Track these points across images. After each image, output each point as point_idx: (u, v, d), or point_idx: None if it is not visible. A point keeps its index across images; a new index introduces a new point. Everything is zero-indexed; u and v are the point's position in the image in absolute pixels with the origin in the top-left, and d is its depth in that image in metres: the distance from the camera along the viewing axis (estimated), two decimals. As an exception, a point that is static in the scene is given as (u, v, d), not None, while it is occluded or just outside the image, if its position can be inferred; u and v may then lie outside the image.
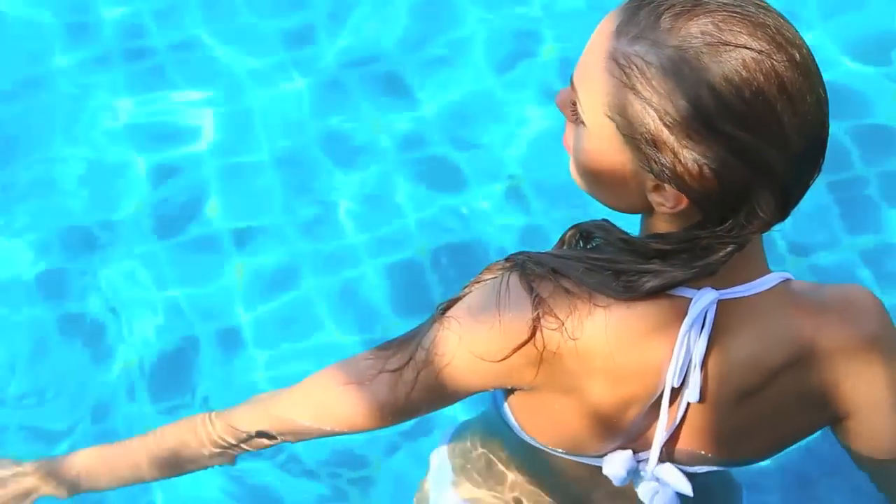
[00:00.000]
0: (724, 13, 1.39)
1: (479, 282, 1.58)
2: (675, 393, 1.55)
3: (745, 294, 1.52)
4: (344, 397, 1.64)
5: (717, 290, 1.50)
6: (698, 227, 1.46)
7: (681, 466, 1.65)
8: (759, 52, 1.38)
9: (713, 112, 1.38)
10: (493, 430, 1.85)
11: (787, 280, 1.57)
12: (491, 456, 1.88)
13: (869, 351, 1.59)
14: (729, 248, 1.46)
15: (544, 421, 1.64)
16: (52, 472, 1.83)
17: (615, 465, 1.64)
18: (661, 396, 1.56)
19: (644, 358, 1.54)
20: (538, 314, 1.52)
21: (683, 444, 1.63)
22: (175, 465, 1.78)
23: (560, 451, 1.66)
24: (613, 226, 1.54)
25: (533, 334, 1.53)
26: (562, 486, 1.80)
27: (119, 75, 3.21)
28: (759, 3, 1.42)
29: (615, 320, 1.52)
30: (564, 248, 1.58)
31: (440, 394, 1.62)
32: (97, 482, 1.82)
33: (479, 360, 1.56)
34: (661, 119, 1.40)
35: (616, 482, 1.65)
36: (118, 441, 1.82)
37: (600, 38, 1.45)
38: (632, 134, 1.43)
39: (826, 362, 1.58)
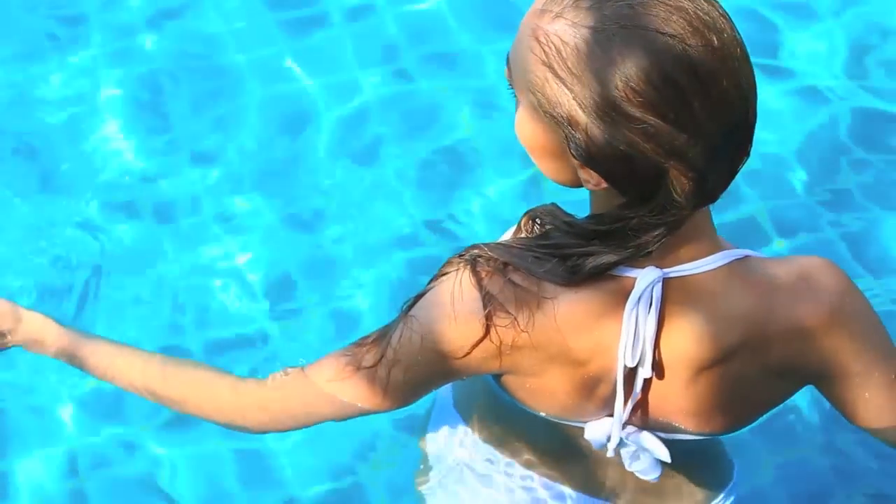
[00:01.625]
0: None
1: (439, 277, 1.60)
2: (635, 369, 1.57)
3: (692, 272, 1.53)
4: (323, 396, 1.67)
5: (661, 268, 1.52)
6: (626, 207, 1.48)
7: (658, 433, 1.67)
8: (672, 36, 1.39)
9: (622, 96, 1.40)
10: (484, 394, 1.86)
11: (744, 257, 1.58)
12: (487, 420, 1.89)
13: (828, 325, 1.59)
14: (660, 229, 1.48)
15: (524, 394, 1.66)
16: (66, 347, 1.82)
17: (593, 431, 1.66)
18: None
19: (597, 339, 1.56)
20: (489, 311, 1.54)
21: (656, 415, 1.65)
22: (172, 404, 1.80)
23: (543, 414, 1.69)
24: (560, 209, 1.56)
25: (487, 331, 1.55)
26: (554, 444, 1.81)
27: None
28: None
29: (564, 308, 1.54)
30: (521, 235, 1.60)
31: (414, 387, 1.65)
32: (91, 371, 1.83)
33: (442, 357, 1.59)
34: (574, 99, 1.42)
35: (595, 446, 1.68)
36: (135, 351, 1.82)
37: (529, 15, 1.47)
38: (551, 112, 1.45)
39: (783, 339, 1.58)
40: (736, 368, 1.59)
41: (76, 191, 3.01)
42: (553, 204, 1.58)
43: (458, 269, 1.57)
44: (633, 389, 1.60)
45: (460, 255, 1.58)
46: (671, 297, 1.54)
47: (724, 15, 1.43)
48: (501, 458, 1.85)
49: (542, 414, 1.68)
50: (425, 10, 3.39)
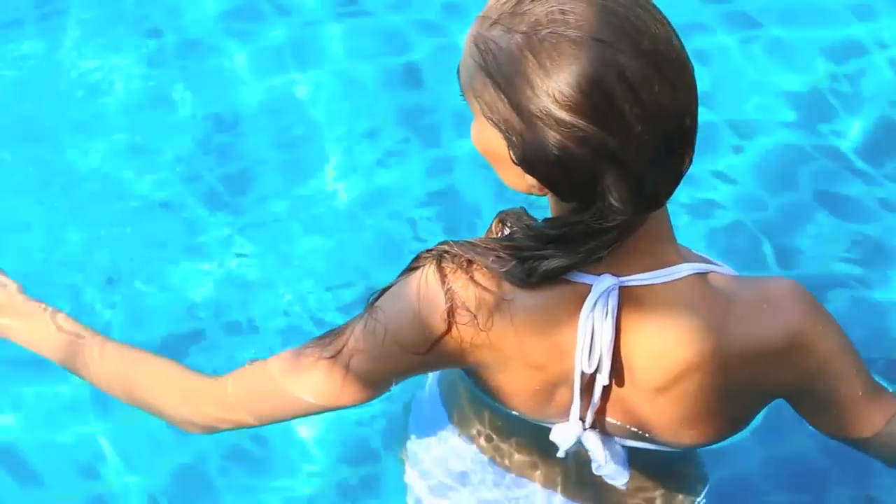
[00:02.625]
0: (575, 1, 1.42)
1: (407, 271, 1.61)
2: (594, 376, 1.58)
3: (648, 282, 1.54)
4: (280, 389, 1.67)
5: (617, 276, 1.53)
6: (574, 212, 1.49)
7: (627, 442, 1.69)
8: (601, 41, 1.40)
9: (552, 100, 1.40)
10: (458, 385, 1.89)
11: (706, 273, 1.57)
12: (465, 406, 1.90)
13: (788, 348, 1.58)
14: (609, 234, 1.48)
15: (491, 391, 1.68)
16: (22, 313, 1.82)
17: (557, 433, 1.67)
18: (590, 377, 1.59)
19: (554, 344, 1.57)
20: (450, 308, 1.56)
21: (623, 423, 1.66)
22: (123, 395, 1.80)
23: (514, 412, 1.70)
24: (525, 213, 1.58)
25: (449, 328, 1.57)
26: (533, 443, 1.82)
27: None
28: None
29: (521, 311, 1.55)
30: (492, 235, 1.61)
31: (374, 380, 1.65)
32: (43, 351, 1.82)
33: (404, 350, 1.60)
34: (509, 104, 1.43)
35: (561, 448, 1.68)
36: (87, 333, 1.80)
37: (473, 24, 1.48)
38: (492, 118, 1.46)
39: (743, 359, 1.58)
40: (697, 384, 1.59)
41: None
42: (521, 207, 1.60)
43: (425, 265, 1.58)
44: (591, 396, 1.60)
45: (429, 251, 1.59)
46: (629, 306, 1.55)
47: (661, 20, 1.43)
48: (482, 457, 1.86)
49: (514, 412, 1.69)
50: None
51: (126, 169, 3.06)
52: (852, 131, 3.09)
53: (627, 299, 1.54)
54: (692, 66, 1.45)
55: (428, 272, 1.57)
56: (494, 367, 1.61)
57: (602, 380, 1.57)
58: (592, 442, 1.66)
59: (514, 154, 1.46)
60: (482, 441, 1.85)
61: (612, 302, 1.52)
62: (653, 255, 1.54)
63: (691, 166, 1.49)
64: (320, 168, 3.07)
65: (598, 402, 1.61)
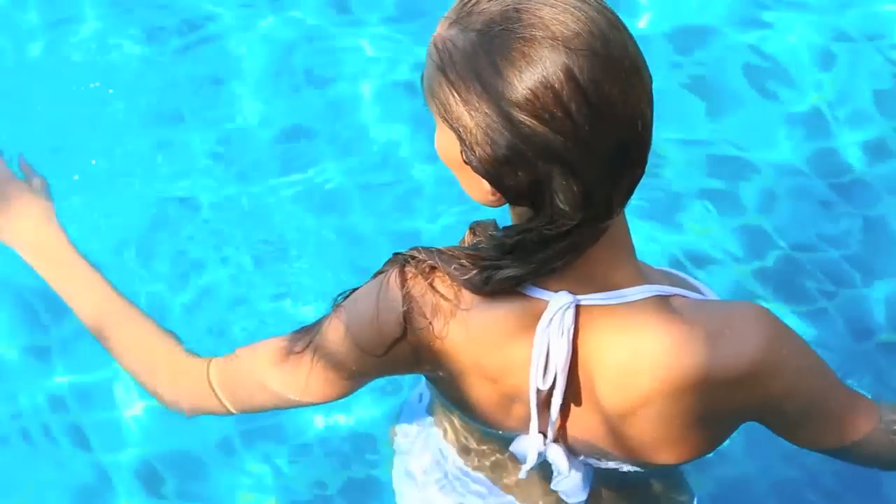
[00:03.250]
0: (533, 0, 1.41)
1: (376, 274, 1.62)
2: (551, 393, 1.57)
3: (606, 302, 1.53)
4: (255, 380, 1.69)
5: (574, 294, 1.52)
6: (528, 219, 1.48)
7: (592, 460, 1.68)
8: (552, 40, 1.39)
9: (500, 98, 1.40)
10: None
11: (669, 295, 1.56)
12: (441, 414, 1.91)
13: (752, 374, 1.55)
14: (560, 243, 1.47)
15: (453, 401, 1.69)
16: (49, 243, 1.84)
17: (517, 446, 1.68)
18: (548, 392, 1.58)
19: (509, 358, 1.57)
20: (406, 312, 1.56)
21: (587, 442, 1.65)
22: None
23: (476, 423, 1.71)
24: (492, 223, 1.56)
25: (404, 333, 1.57)
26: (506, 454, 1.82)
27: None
28: None
29: (477, 322, 1.55)
30: (465, 244, 1.60)
31: (337, 379, 1.66)
32: (56, 284, 1.83)
33: (362, 351, 1.61)
34: (461, 102, 1.42)
35: (525, 462, 1.67)
36: (103, 281, 1.81)
37: (437, 25, 1.48)
38: (446, 117, 1.45)
39: (706, 385, 1.55)
40: (662, 410, 1.57)
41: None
42: (493, 220, 1.58)
43: (390, 268, 1.59)
44: (548, 413, 1.60)
45: (398, 254, 1.60)
46: (588, 326, 1.54)
47: (617, 26, 1.42)
48: (458, 462, 1.87)
49: (476, 423, 1.70)
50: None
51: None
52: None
53: (587, 319, 1.53)
54: (648, 75, 1.44)
55: (390, 276, 1.58)
56: (452, 377, 1.62)
57: (557, 398, 1.56)
58: (556, 455, 1.65)
59: (466, 155, 1.45)
60: (459, 447, 1.86)
61: (568, 320, 1.52)
62: (612, 274, 1.53)
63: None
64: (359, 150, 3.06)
65: (559, 419, 1.61)
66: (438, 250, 1.56)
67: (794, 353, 1.58)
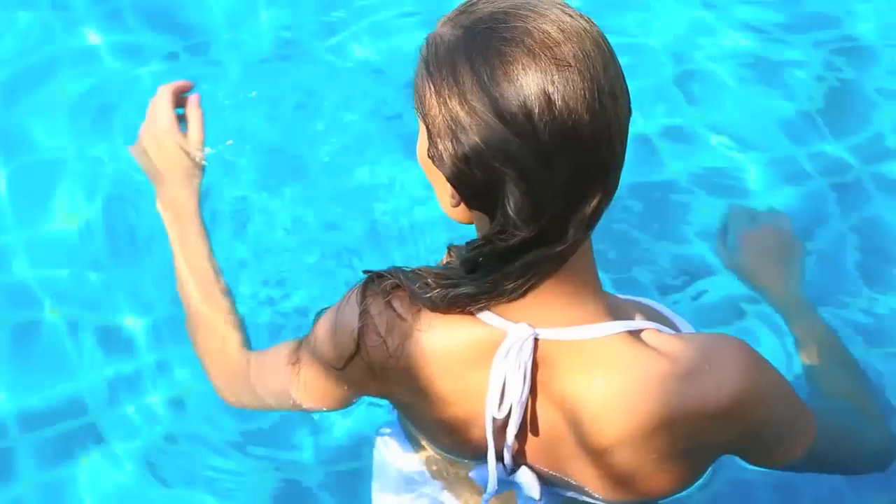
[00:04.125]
0: (520, 2, 1.41)
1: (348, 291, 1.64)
2: (506, 423, 1.56)
3: (566, 337, 1.51)
4: (278, 374, 1.73)
5: (534, 327, 1.50)
6: (483, 229, 1.48)
7: (560, 492, 1.68)
8: (532, 47, 1.39)
9: (470, 93, 1.40)
10: None
11: (640, 330, 1.54)
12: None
13: (732, 407, 1.53)
14: (514, 260, 1.45)
15: (413, 425, 1.70)
16: (180, 201, 1.93)
17: (475, 475, 1.67)
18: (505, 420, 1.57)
19: (466, 385, 1.56)
20: (361, 329, 1.57)
21: (556, 473, 1.64)
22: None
23: (437, 448, 1.72)
24: (465, 244, 1.54)
25: (358, 348, 1.58)
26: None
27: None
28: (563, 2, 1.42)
29: (433, 344, 1.55)
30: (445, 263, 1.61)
31: (322, 390, 1.69)
32: (172, 243, 1.93)
33: (327, 365, 1.63)
34: (434, 92, 1.43)
35: (487, 488, 1.67)
36: (206, 259, 1.91)
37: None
38: (420, 110, 1.46)
39: (685, 422, 1.54)
40: (632, 448, 1.56)
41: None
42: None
43: (356, 285, 1.61)
44: (504, 442, 1.58)
45: (366, 272, 1.61)
46: (549, 360, 1.53)
47: (601, 46, 1.41)
48: (431, 480, 1.88)
49: (437, 447, 1.71)
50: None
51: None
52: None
53: (549, 353, 1.52)
54: (624, 102, 1.42)
55: (352, 293, 1.59)
56: (410, 398, 1.62)
57: (512, 429, 1.55)
58: (527, 479, 1.64)
59: (430, 149, 1.45)
60: (432, 465, 1.86)
61: (526, 352, 1.50)
62: (575, 309, 1.51)
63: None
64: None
65: (521, 449, 1.60)
66: (411, 270, 1.56)
67: (771, 383, 1.57)
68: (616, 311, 1.55)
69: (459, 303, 1.51)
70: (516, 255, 1.45)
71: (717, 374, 1.53)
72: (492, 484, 1.62)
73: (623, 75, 1.43)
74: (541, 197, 1.41)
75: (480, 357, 1.54)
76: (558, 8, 1.41)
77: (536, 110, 1.38)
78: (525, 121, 1.39)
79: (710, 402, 1.52)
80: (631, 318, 1.57)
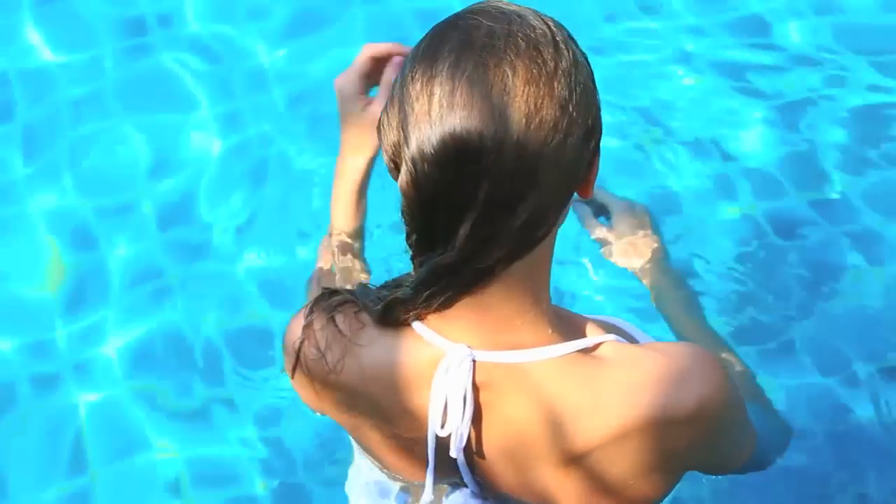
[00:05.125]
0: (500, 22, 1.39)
1: None
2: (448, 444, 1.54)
3: (507, 360, 1.49)
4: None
5: (471, 349, 1.48)
6: None
7: None
8: (453, 48, 1.38)
9: (398, 88, 1.40)
10: None
11: (592, 347, 1.51)
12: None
13: (697, 416, 1.50)
14: (423, 270, 1.44)
15: (359, 441, 1.68)
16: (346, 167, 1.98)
17: (424, 496, 1.64)
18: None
19: (408, 404, 1.54)
20: (301, 342, 1.57)
21: (513, 495, 1.62)
22: None
23: (385, 470, 1.69)
24: None
25: (297, 361, 1.58)
26: None
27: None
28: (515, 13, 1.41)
29: (373, 360, 1.54)
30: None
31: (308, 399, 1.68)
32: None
33: (287, 373, 1.63)
34: (399, 81, 1.43)
35: None
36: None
37: None
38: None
39: (649, 434, 1.50)
40: (583, 470, 1.53)
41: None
42: None
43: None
44: (444, 464, 1.57)
45: (324, 289, 1.61)
46: (491, 382, 1.50)
47: (539, 113, 1.37)
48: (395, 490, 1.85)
49: (384, 470, 1.68)
50: None
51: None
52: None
53: (492, 375, 1.50)
54: (530, 160, 1.37)
55: (303, 308, 1.60)
56: (352, 416, 1.61)
57: (453, 452, 1.53)
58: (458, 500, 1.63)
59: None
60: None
61: (464, 372, 1.48)
62: (515, 332, 1.49)
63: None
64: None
65: (476, 470, 1.58)
66: (375, 285, 1.55)
67: (732, 393, 1.55)
68: (568, 330, 1.53)
69: (394, 309, 1.50)
70: (420, 260, 1.44)
71: (682, 382, 1.50)
72: (428, 493, 1.60)
73: (565, 142, 1.39)
74: (421, 203, 1.40)
75: (421, 376, 1.52)
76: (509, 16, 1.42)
77: (424, 103, 1.39)
78: (409, 115, 1.39)
79: (674, 411, 1.49)
80: (584, 335, 1.54)
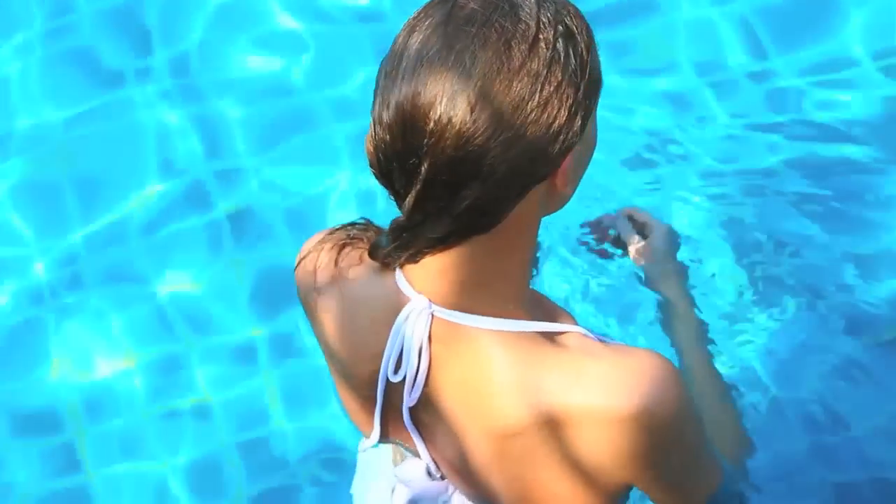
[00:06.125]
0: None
1: None
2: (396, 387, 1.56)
3: (465, 322, 1.48)
4: None
5: (431, 302, 1.49)
6: None
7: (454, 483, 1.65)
8: (431, 24, 1.38)
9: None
10: None
11: (557, 333, 1.51)
12: None
13: (632, 421, 1.46)
14: (393, 220, 1.45)
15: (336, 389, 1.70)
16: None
17: (370, 439, 1.67)
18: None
19: (370, 342, 1.56)
20: (303, 258, 1.62)
21: (457, 474, 1.62)
22: None
23: (347, 417, 1.71)
24: None
25: (295, 270, 1.63)
26: None
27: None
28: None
29: (352, 294, 1.57)
30: None
31: None
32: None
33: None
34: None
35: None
36: None
37: None
38: None
39: (585, 429, 1.47)
40: (518, 451, 1.51)
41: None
42: None
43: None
44: (396, 422, 1.59)
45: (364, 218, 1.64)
46: (447, 339, 1.50)
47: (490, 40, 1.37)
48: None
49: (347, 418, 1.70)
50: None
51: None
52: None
53: (450, 334, 1.50)
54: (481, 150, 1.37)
55: (334, 227, 1.62)
56: (328, 346, 1.63)
57: (410, 401, 1.54)
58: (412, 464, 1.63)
59: None
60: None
61: (421, 323, 1.49)
62: (476, 298, 1.48)
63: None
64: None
65: (412, 426, 1.59)
66: (383, 228, 1.54)
67: (685, 411, 1.50)
68: (538, 314, 1.53)
69: (375, 253, 1.52)
70: (398, 195, 1.44)
71: (633, 381, 1.46)
72: (374, 434, 1.62)
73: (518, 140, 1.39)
74: (368, 159, 1.43)
75: (387, 320, 1.53)
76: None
77: (386, 77, 1.40)
78: (380, 90, 1.40)
79: (618, 407, 1.45)
80: (553, 321, 1.53)
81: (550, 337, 1.50)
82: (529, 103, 1.37)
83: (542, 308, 1.55)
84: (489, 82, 1.35)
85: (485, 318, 1.48)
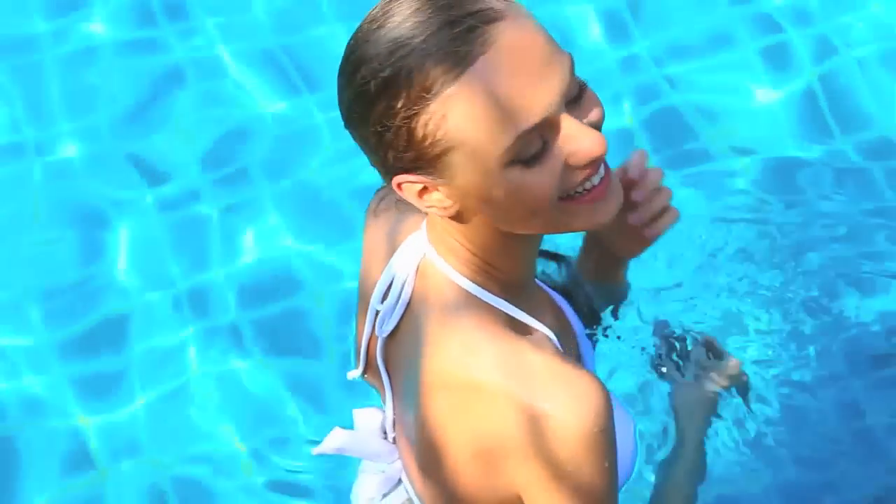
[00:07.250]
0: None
1: None
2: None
3: (445, 271, 1.51)
4: None
5: (429, 245, 1.53)
6: None
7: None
8: (370, 19, 1.38)
9: None
10: None
11: (525, 325, 1.51)
12: None
13: (536, 427, 1.41)
14: None
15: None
16: None
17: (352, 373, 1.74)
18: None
19: (377, 270, 1.63)
20: (381, 190, 1.70)
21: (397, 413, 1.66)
22: None
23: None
24: None
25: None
26: None
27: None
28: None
29: (384, 229, 1.66)
30: None
31: None
32: None
33: None
34: None
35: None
36: None
37: None
38: None
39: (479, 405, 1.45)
40: (423, 412, 1.51)
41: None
42: None
43: None
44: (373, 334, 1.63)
45: None
46: (428, 292, 1.54)
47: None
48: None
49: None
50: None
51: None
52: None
53: (434, 287, 1.53)
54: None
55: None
56: (363, 273, 1.71)
57: (383, 332, 1.59)
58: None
59: None
60: None
61: (413, 257, 1.55)
62: (465, 261, 1.50)
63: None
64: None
65: (384, 368, 1.63)
66: None
67: (594, 436, 1.41)
68: (526, 306, 1.53)
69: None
70: None
71: (555, 390, 1.41)
72: (360, 364, 1.68)
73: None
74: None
75: (391, 254, 1.62)
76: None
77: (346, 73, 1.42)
78: (339, 73, 1.43)
79: (520, 400, 1.41)
80: (537, 315, 1.53)
81: (515, 323, 1.50)
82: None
83: (534, 302, 1.56)
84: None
85: (463, 279, 1.49)
